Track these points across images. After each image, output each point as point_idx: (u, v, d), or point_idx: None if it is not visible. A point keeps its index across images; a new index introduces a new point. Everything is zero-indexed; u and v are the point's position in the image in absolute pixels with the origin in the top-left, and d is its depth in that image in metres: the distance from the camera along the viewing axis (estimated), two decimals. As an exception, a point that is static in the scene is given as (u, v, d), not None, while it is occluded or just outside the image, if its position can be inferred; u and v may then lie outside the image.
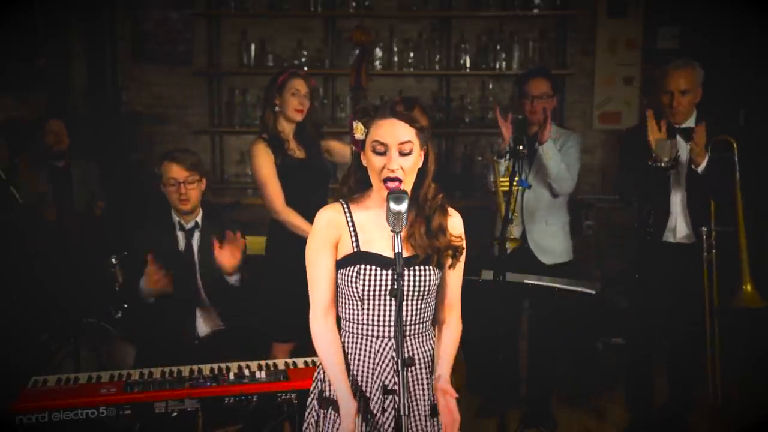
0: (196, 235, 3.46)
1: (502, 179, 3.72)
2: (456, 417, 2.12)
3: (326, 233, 2.15)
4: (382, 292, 2.10)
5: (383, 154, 2.07)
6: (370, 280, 2.10)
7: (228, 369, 2.93)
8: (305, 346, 3.43)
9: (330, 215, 2.17)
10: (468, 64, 5.30)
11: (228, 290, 3.39)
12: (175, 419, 2.72)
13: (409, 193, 2.11)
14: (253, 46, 5.27)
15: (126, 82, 5.33)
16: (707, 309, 3.61)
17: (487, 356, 3.99)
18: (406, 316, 2.13)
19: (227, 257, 3.30)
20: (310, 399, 2.27)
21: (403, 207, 1.94)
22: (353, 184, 2.20)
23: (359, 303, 2.13)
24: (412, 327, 2.16)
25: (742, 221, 3.47)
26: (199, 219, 3.47)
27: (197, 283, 3.45)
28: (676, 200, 3.63)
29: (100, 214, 4.46)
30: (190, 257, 3.44)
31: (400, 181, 2.07)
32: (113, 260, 4.04)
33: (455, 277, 2.26)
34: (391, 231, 1.97)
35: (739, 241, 3.49)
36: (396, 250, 1.96)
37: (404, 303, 2.11)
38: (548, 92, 3.82)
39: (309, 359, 3.03)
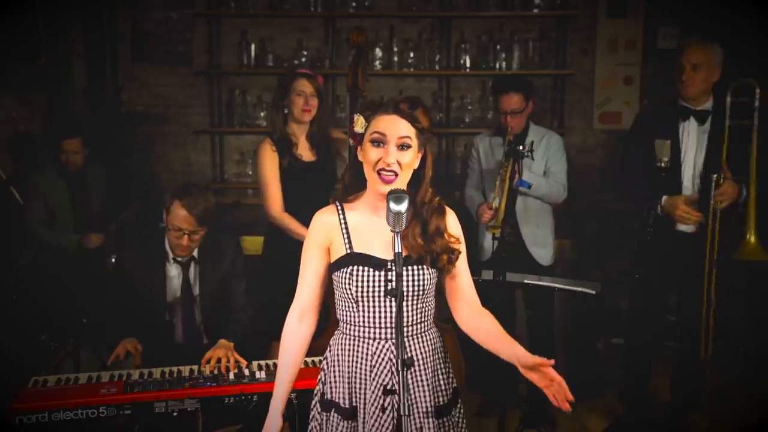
0: (193, 268, 3.28)
1: (492, 226, 3.78)
2: (561, 381, 2.01)
3: (317, 236, 2.17)
4: (377, 293, 2.09)
5: (381, 146, 2.06)
6: (363, 282, 2.09)
7: (228, 369, 2.93)
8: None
9: (323, 218, 2.18)
10: (468, 64, 5.29)
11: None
12: (175, 419, 2.72)
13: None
14: (253, 46, 5.27)
15: (126, 82, 5.33)
16: (707, 264, 3.46)
17: (487, 356, 3.98)
18: (405, 316, 2.12)
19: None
20: (314, 402, 2.26)
21: (403, 207, 1.93)
22: (348, 181, 2.20)
23: (354, 305, 2.13)
24: (411, 327, 2.15)
25: (754, 169, 3.30)
26: (195, 253, 3.27)
27: (196, 319, 3.30)
28: (690, 157, 3.56)
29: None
30: (187, 289, 3.27)
31: (396, 174, 2.06)
32: (113, 260, 4.03)
33: (465, 276, 2.24)
34: (391, 231, 1.96)
35: (749, 190, 3.33)
36: (396, 250, 1.95)
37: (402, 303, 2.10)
38: (520, 107, 3.82)
39: (309, 359, 3.02)
